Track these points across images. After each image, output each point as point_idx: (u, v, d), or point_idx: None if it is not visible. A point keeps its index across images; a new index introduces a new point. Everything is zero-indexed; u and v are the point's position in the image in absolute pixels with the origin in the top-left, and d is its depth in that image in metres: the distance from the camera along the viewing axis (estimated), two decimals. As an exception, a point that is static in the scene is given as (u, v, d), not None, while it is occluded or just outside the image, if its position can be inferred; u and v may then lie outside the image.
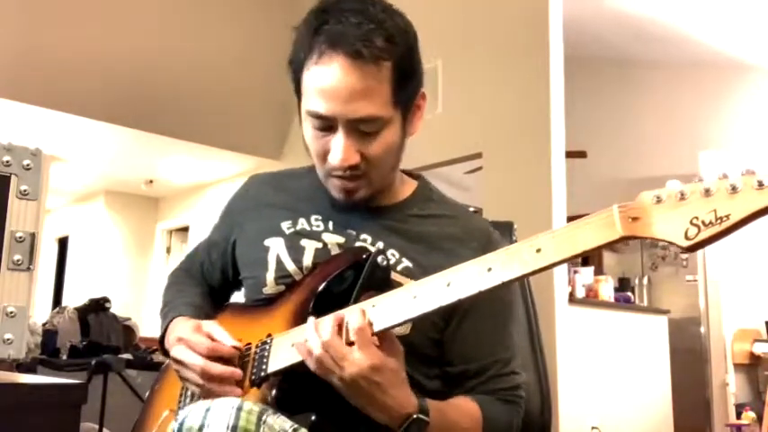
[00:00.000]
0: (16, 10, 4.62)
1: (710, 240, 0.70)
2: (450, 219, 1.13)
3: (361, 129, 1.00)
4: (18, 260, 0.80)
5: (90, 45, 4.93)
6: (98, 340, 4.45)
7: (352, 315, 0.89)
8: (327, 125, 1.00)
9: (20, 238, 0.80)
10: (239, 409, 0.76)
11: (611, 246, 0.76)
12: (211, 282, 1.26)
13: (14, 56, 4.63)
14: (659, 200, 0.73)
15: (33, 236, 0.81)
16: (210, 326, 1.03)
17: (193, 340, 1.00)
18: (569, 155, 3.97)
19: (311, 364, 0.88)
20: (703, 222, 0.69)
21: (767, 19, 5.11)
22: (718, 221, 0.69)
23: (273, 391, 0.94)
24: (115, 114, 5.23)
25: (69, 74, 4.90)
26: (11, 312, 0.79)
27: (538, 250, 0.79)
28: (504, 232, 1.30)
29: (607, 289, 4.18)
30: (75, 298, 6.35)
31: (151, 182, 7.29)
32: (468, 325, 1.05)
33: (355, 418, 0.97)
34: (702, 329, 5.49)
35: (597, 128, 6.38)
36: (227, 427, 0.74)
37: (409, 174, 1.19)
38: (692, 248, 0.71)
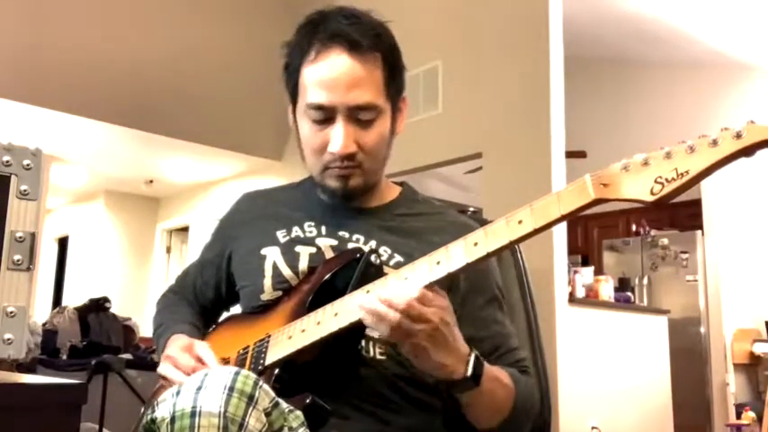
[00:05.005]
0: (16, 10, 4.62)
1: (675, 193, 0.78)
2: (435, 215, 1.19)
3: (358, 117, 1.06)
4: (18, 260, 0.79)
5: (90, 45, 4.93)
6: (98, 340, 4.45)
7: (395, 281, 0.91)
8: (326, 117, 1.06)
9: (20, 238, 0.80)
10: (237, 373, 0.78)
11: (586, 210, 0.84)
12: (203, 301, 1.28)
13: (14, 56, 4.63)
14: (626, 168, 0.81)
15: (33, 236, 0.81)
16: (201, 348, 1.04)
17: (180, 360, 1.02)
18: (569, 155, 3.97)
19: (387, 331, 0.88)
20: (666, 179, 0.78)
21: (767, 19, 5.11)
22: (680, 177, 0.77)
23: (272, 382, 0.95)
24: (115, 114, 5.23)
25: (69, 74, 4.90)
26: (11, 312, 0.78)
27: (519, 222, 0.85)
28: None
29: (607, 289, 4.17)
30: (75, 298, 6.35)
31: (151, 182, 7.29)
32: (468, 310, 1.08)
33: (351, 403, 1.00)
34: (702, 329, 5.50)
35: (597, 128, 6.38)
36: (225, 388, 0.75)
37: (393, 182, 1.25)
38: (658, 202, 0.79)
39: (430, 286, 0.90)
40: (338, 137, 1.05)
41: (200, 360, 1.01)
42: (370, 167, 1.10)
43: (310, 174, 1.16)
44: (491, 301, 1.12)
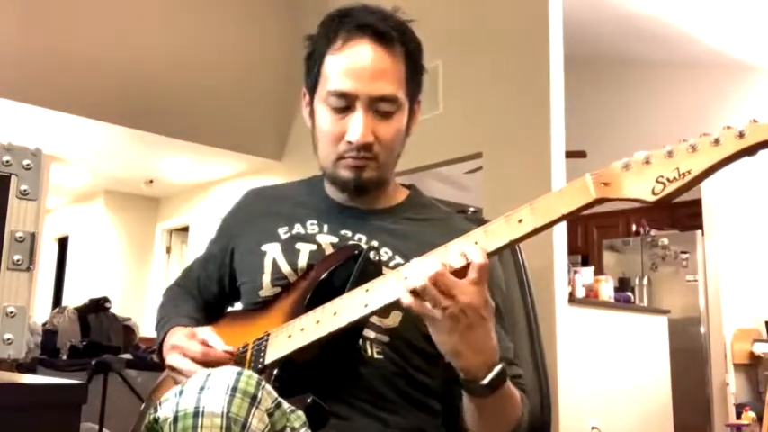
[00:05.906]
0: (16, 10, 4.63)
1: (676, 193, 0.77)
2: (440, 221, 1.18)
3: (379, 108, 1.06)
4: (18, 260, 0.79)
5: (90, 45, 4.93)
6: (98, 340, 4.45)
7: (469, 251, 0.86)
8: (346, 105, 1.06)
9: (20, 238, 0.80)
10: (239, 373, 0.78)
11: (587, 210, 0.82)
12: (207, 296, 1.28)
13: (14, 56, 4.63)
14: (627, 166, 0.80)
15: (33, 236, 0.81)
16: (204, 332, 1.04)
17: (187, 347, 1.02)
18: (569, 155, 3.97)
19: (409, 300, 0.85)
20: (668, 179, 0.77)
21: (767, 19, 5.11)
22: (682, 176, 0.76)
23: (272, 382, 0.95)
24: (115, 114, 5.23)
25: (69, 74, 4.90)
26: (11, 312, 0.78)
27: (519, 221, 0.84)
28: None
29: (607, 289, 4.17)
30: (75, 298, 6.35)
31: (151, 182, 7.29)
32: None
33: (351, 403, 1.00)
34: (702, 329, 5.50)
35: (597, 128, 6.38)
36: (228, 388, 0.75)
37: (402, 185, 1.24)
38: (659, 202, 0.78)
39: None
40: (357, 125, 1.04)
41: (205, 343, 1.02)
42: (385, 161, 1.10)
43: (321, 167, 1.14)
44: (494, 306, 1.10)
